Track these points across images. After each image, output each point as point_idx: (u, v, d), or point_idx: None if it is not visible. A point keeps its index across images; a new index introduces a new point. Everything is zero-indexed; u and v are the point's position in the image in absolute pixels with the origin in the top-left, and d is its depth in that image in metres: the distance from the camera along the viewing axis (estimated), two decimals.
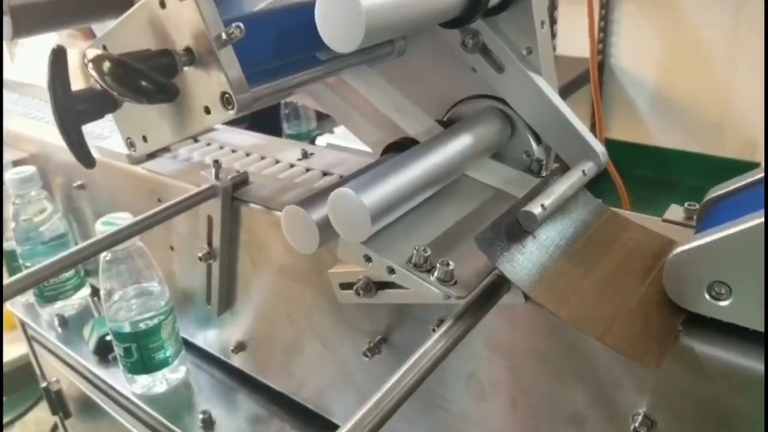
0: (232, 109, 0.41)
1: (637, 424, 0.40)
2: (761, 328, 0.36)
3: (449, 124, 0.53)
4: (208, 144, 0.72)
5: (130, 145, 0.51)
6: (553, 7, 1.98)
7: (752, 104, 2.10)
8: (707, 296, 0.37)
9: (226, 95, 0.41)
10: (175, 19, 0.41)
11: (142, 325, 0.67)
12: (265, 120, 1.21)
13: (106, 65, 0.38)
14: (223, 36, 0.40)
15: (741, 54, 2.08)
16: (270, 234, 0.59)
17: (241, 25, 0.39)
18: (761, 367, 0.36)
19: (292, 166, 0.66)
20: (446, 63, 0.53)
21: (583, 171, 0.46)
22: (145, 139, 0.49)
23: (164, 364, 0.70)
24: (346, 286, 0.51)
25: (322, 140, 0.98)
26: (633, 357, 0.35)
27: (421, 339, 0.50)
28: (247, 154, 0.68)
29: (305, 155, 0.66)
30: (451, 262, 0.38)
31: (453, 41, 0.50)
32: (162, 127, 0.47)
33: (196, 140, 0.73)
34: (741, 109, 2.13)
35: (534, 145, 0.51)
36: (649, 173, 2.34)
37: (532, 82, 0.49)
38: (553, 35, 2.01)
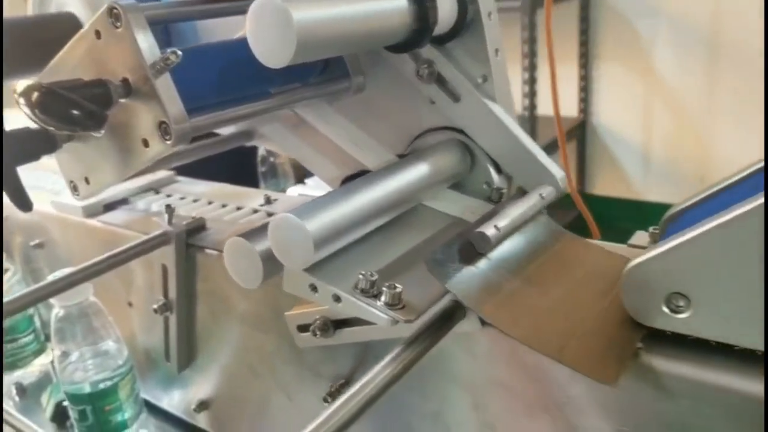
0: (170, 139, 0.40)
1: None
2: (724, 339, 0.34)
3: None
4: (169, 195, 0.71)
5: (74, 188, 0.49)
6: (532, 68, 2.03)
7: (732, 157, 2.12)
8: (666, 309, 0.35)
9: (164, 125, 0.40)
10: (111, 49, 0.40)
11: (98, 386, 0.63)
12: (242, 178, 1.21)
13: (35, 95, 0.37)
14: (160, 63, 0.39)
15: (718, 109, 2.12)
16: (227, 281, 0.55)
17: (178, 51, 0.39)
18: (727, 381, 0.33)
19: (255, 211, 0.64)
20: (405, 97, 0.52)
21: (541, 195, 0.45)
22: (87, 181, 0.48)
23: (122, 427, 0.66)
24: (303, 328, 0.49)
25: (293, 190, 0.97)
26: (590, 374, 0.33)
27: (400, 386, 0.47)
28: (209, 202, 0.67)
29: (268, 201, 0.65)
30: (398, 286, 0.36)
31: (409, 73, 0.49)
32: (103, 167, 0.45)
33: (156, 192, 0.72)
34: (721, 163, 2.15)
35: (494, 174, 0.50)
36: (634, 227, 2.34)
37: (489, 110, 0.48)
38: (533, 94, 2.05)
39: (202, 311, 0.60)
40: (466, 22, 0.46)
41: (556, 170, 0.47)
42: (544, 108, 2.17)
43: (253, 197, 0.67)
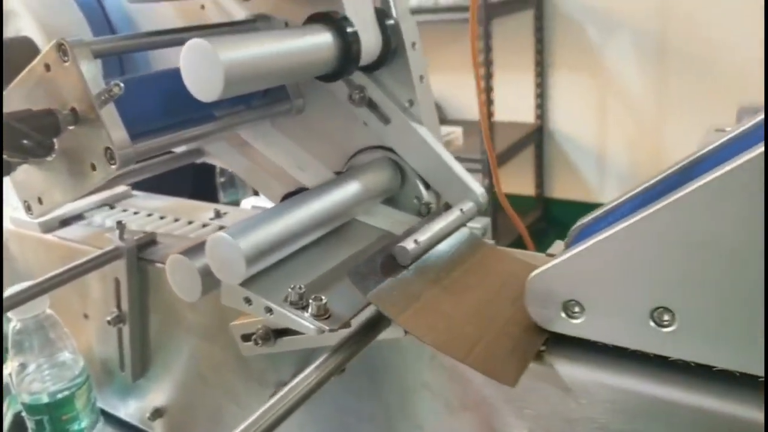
0: (115, 164, 0.43)
1: None
2: (615, 342, 0.38)
3: None
4: (124, 210, 0.73)
5: (27, 208, 0.52)
6: (488, 76, 2.09)
7: (683, 156, 2.21)
8: (563, 315, 0.39)
9: (109, 150, 0.43)
10: (60, 81, 0.43)
11: (55, 396, 0.65)
12: (201, 189, 1.23)
13: None
14: (104, 94, 0.42)
15: (668, 111, 2.21)
16: (162, 293, 0.59)
17: (121, 83, 0.42)
18: (620, 381, 0.38)
19: (204, 225, 0.67)
20: (341, 118, 0.56)
21: (462, 210, 0.49)
22: (40, 201, 0.50)
23: None
24: (246, 337, 0.52)
25: (248, 201, 1.00)
26: (492, 375, 0.37)
27: (333, 390, 0.51)
28: (162, 217, 0.70)
29: (218, 215, 0.68)
30: (323, 297, 0.40)
31: (343, 97, 0.53)
32: (55, 188, 0.48)
33: (112, 207, 0.74)
34: (673, 162, 2.23)
35: (423, 190, 0.54)
36: None
37: (415, 132, 0.52)
38: (491, 103, 2.11)
39: (154, 322, 0.63)
40: (392, 52, 0.50)
41: (477, 187, 0.51)
42: (502, 115, 2.24)
43: (203, 211, 0.70)
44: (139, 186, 0.89)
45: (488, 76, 2.08)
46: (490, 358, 0.38)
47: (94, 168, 0.44)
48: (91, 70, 0.42)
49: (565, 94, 2.39)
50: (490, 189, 2.19)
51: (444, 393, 0.44)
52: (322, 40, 0.44)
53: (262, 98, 0.57)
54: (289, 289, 0.40)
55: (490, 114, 2.12)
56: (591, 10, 2.24)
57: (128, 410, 0.73)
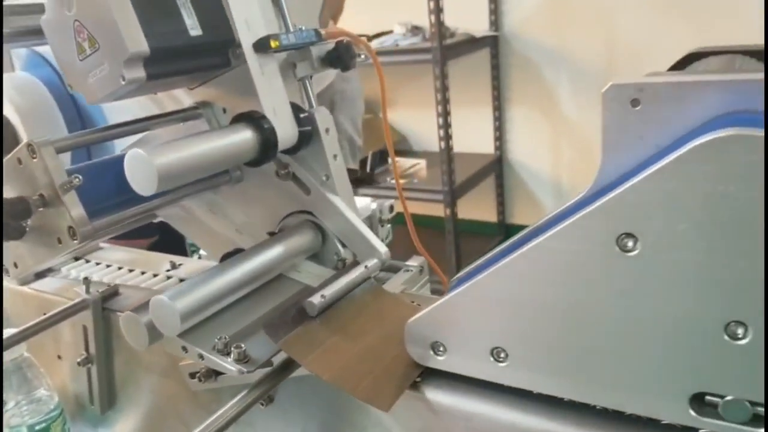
0: (77, 239, 0.53)
1: None
2: (469, 374, 0.49)
3: None
4: (91, 262, 0.83)
5: (5, 272, 0.62)
6: (446, 113, 2.22)
7: None
8: (432, 353, 0.50)
9: (71, 228, 0.53)
10: (30, 172, 0.54)
11: (33, 429, 0.74)
12: (171, 234, 1.33)
13: None
14: (66, 185, 0.52)
15: None
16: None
17: (79, 176, 0.52)
18: (472, 406, 0.48)
19: (155, 275, 0.77)
20: (273, 187, 0.67)
21: (366, 266, 0.60)
22: (15, 265, 0.61)
23: None
24: (193, 375, 0.62)
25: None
26: (370, 402, 0.47)
27: (262, 418, 0.61)
28: (122, 268, 0.80)
29: (173, 266, 0.78)
30: (243, 345, 0.50)
31: (271, 172, 0.64)
32: (28, 256, 0.59)
33: (77, 259, 0.84)
34: None
35: (340, 248, 0.65)
36: None
37: (330, 201, 0.63)
38: (449, 137, 2.24)
39: (118, 363, 0.73)
40: (308, 137, 0.61)
41: (380, 246, 0.62)
42: (459, 146, 2.36)
43: (160, 263, 0.80)
44: None
45: (445, 113, 2.20)
46: (373, 389, 0.49)
47: (60, 242, 0.55)
48: (54, 165, 0.53)
49: (522, 126, 2.53)
50: (453, 218, 2.32)
51: (347, 414, 0.55)
52: (244, 136, 0.55)
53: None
54: (216, 340, 0.51)
55: (449, 148, 2.24)
56: (543, 48, 2.39)
57: None
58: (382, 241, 0.80)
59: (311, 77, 0.64)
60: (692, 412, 0.40)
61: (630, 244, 0.39)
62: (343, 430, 0.56)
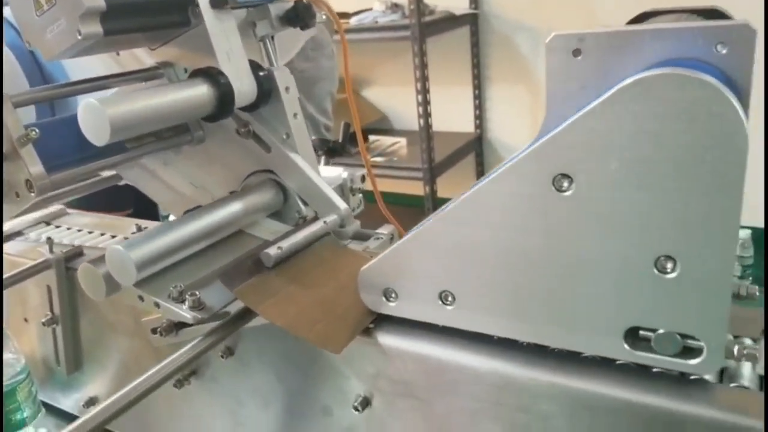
0: (34, 192, 0.54)
1: (357, 403, 0.53)
2: (420, 318, 0.50)
3: None
4: (58, 226, 0.83)
5: None
6: (425, 90, 2.22)
7: None
8: (384, 299, 0.51)
9: (28, 182, 0.54)
10: None
11: None
12: (143, 206, 1.33)
13: None
14: (23, 138, 0.53)
15: None
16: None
17: (36, 129, 0.53)
18: (421, 348, 0.50)
19: (126, 239, 0.78)
20: (235, 147, 0.67)
21: (325, 221, 0.61)
22: None
23: (21, 425, 0.78)
24: (155, 330, 0.63)
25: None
26: (322, 346, 0.49)
27: (223, 370, 0.62)
28: (90, 232, 0.80)
29: (139, 229, 0.79)
30: (197, 293, 0.51)
31: (232, 130, 0.65)
32: None
33: (48, 224, 0.85)
34: None
35: (302, 205, 0.66)
36: None
37: (291, 159, 0.63)
38: (429, 115, 2.24)
39: (84, 323, 0.74)
40: (267, 94, 0.61)
41: (340, 203, 0.63)
42: (439, 125, 2.37)
43: (127, 227, 0.80)
44: (86, 204, 0.99)
45: (425, 91, 2.21)
46: (326, 334, 0.50)
47: (18, 195, 0.55)
48: (12, 119, 0.53)
49: (501, 105, 2.54)
50: (432, 196, 2.33)
51: (302, 363, 0.56)
52: (199, 90, 0.55)
53: (168, 131, 0.68)
54: (172, 288, 0.52)
55: (428, 125, 2.24)
56: (523, 27, 2.39)
57: (66, 401, 0.82)
58: (353, 210, 0.81)
59: (273, 38, 0.65)
60: (627, 347, 0.42)
61: (565, 184, 0.40)
62: (300, 379, 0.58)
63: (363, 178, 0.83)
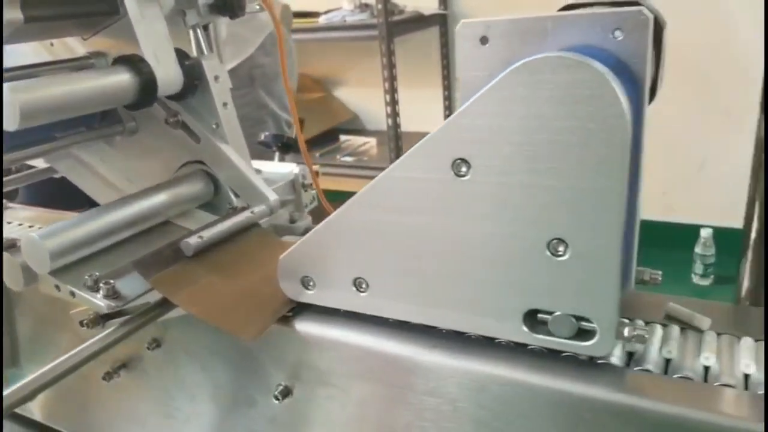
0: None
1: (277, 392, 0.53)
2: (336, 306, 0.50)
3: None
4: None
5: None
6: (393, 90, 2.23)
7: None
8: (302, 287, 0.51)
9: None
10: None
11: None
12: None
13: None
14: None
15: None
16: (31, 289, 0.69)
17: None
18: (339, 335, 0.50)
19: None
20: (167, 138, 0.67)
21: (252, 211, 0.61)
22: None
23: None
24: (83, 323, 0.62)
25: None
26: (234, 332, 0.49)
27: (152, 363, 0.62)
28: (30, 226, 0.79)
29: None
30: (112, 282, 0.51)
31: (161, 120, 0.64)
32: None
33: None
34: None
35: (233, 197, 0.65)
36: None
37: (220, 150, 0.63)
38: (397, 115, 2.25)
39: (20, 315, 0.73)
40: (194, 83, 0.61)
41: (270, 194, 0.63)
42: (409, 125, 2.38)
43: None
44: (36, 200, 0.98)
45: (393, 90, 2.21)
46: (242, 322, 0.50)
47: None
48: None
49: None
50: None
51: (227, 354, 0.56)
52: (119, 78, 0.55)
53: (100, 122, 0.68)
54: (86, 277, 0.51)
55: (396, 125, 2.25)
56: None
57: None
58: (306, 206, 0.81)
59: (206, 27, 0.65)
60: (526, 329, 0.42)
61: (464, 169, 0.41)
62: (225, 370, 0.57)
63: (317, 174, 0.83)
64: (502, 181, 0.39)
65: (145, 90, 0.57)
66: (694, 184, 2.16)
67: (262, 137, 1.04)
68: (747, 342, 0.44)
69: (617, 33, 0.42)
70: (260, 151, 0.97)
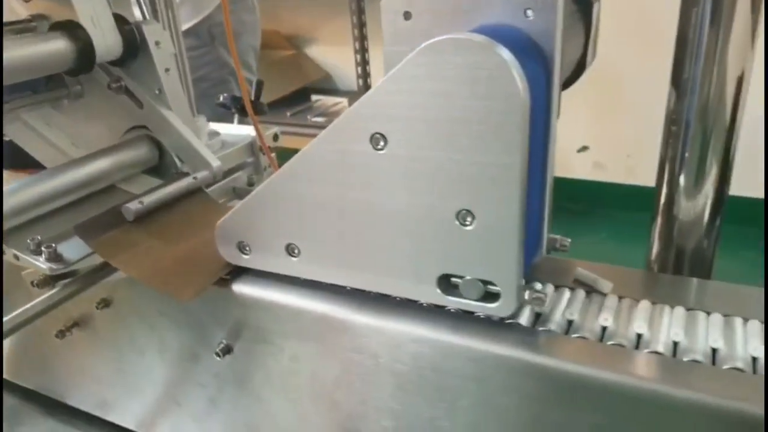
0: None
1: (218, 350, 0.56)
2: (270, 269, 0.53)
3: None
4: None
5: None
6: (363, 50, 2.21)
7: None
8: (239, 252, 0.54)
9: None
10: None
11: None
12: None
13: None
14: None
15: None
16: None
17: None
18: (278, 297, 0.53)
19: None
20: (112, 103, 0.68)
21: (195, 177, 0.63)
22: None
23: None
24: (33, 283, 0.64)
25: None
26: (169, 293, 0.51)
27: (102, 321, 0.64)
28: None
29: None
30: (53, 245, 0.53)
31: (104, 85, 0.65)
32: None
33: None
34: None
35: (177, 162, 0.67)
36: None
37: (163, 115, 0.65)
38: (368, 75, 2.24)
39: None
40: (134, 49, 0.62)
41: (213, 160, 0.65)
42: None
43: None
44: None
45: (363, 50, 2.20)
46: (178, 283, 0.52)
47: None
48: None
49: None
50: None
51: (172, 313, 0.59)
52: (55, 44, 0.56)
53: (45, 86, 0.68)
54: (29, 240, 0.53)
55: (368, 86, 2.24)
56: None
57: None
58: (265, 168, 0.83)
59: None
60: (439, 292, 0.45)
61: (381, 143, 0.43)
62: (167, 328, 0.60)
63: (275, 137, 0.85)
64: (415, 155, 0.42)
65: (82, 56, 0.57)
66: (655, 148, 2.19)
67: (221, 98, 1.04)
68: (644, 304, 0.47)
69: (528, 12, 0.44)
70: (221, 113, 0.98)
